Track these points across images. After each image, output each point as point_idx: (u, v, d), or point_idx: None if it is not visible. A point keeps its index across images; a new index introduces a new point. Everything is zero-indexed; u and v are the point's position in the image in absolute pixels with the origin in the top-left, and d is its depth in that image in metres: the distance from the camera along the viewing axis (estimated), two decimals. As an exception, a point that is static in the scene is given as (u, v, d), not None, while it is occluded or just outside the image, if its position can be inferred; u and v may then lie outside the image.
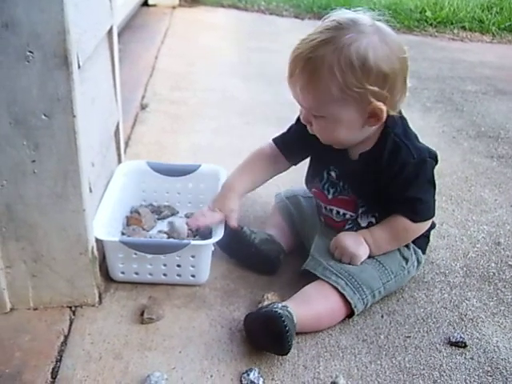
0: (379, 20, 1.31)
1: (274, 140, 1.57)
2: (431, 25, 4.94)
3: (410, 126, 1.43)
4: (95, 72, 1.45)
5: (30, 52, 1.08)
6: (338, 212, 1.49)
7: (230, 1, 5.37)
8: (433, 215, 1.42)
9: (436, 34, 4.80)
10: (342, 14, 1.29)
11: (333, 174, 1.47)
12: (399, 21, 4.90)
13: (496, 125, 2.75)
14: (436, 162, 1.41)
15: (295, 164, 1.60)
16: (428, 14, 5.03)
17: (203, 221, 1.50)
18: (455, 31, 4.86)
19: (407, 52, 1.31)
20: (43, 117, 1.14)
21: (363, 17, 1.29)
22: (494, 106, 3.03)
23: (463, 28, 4.91)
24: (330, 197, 1.49)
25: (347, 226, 1.49)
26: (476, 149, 2.45)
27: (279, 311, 1.21)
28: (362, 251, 1.41)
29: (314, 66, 1.25)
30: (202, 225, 1.51)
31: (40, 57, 1.09)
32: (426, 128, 2.65)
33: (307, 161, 1.58)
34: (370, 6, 5.18)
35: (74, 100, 1.14)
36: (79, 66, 1.17)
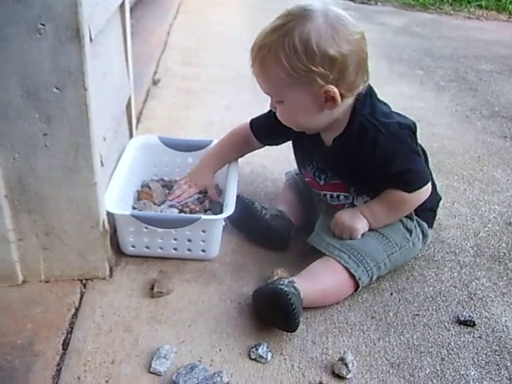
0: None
1: (251, 122, 1.64)
2: (447, 2, 4.89)
3: (383, 99, 1.45)
4: (107, 46, 1.44)
5: (42, 25, 1.08)
6: (331, 196, 1.51)
7: (243, -24, 5.32)
8: (426, 181, 1.40)
9: (451, 12, 4.75)
10: (296, 4, 1.31)
11: (317, 161, 1.50)
12: (414, -1, 4.86)
13: (510, 105, 2.73)
14: (411, 129, 1.40)
15: (271, 145, 1.68)
16: (444, -9, 4.97)
17: (179, 195, 1.62)
18: (471, 9, 4.81)
19: (360, 34, 1.31)
20: (55, 90, 1.14)
21: (315, 3, 1.30)
22: (509, 86, 3.00)
23: (479, 6, 4.86)
24: (321, 183, 1.51)
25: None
26: (489, 128, 2.43)
27: (285, 288, 1.22)
28: (360, 224, 1.41)
29: (262, 54, 1.30)
30: (180, 198, 1.61)
31: (52, 29, 1.08)
32: (439, 107, 2.63)
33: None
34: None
35: (85, 73, 1.13)
36: (91, 40, 1.17)
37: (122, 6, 1.61)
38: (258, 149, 1.69)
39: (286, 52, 1.26)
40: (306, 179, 1.58)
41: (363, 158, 1.36)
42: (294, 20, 1.27)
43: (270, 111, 1.51)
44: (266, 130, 1.59)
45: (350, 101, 1.35)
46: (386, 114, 1.39)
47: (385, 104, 1.44)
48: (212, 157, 1.67)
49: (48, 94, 1.14)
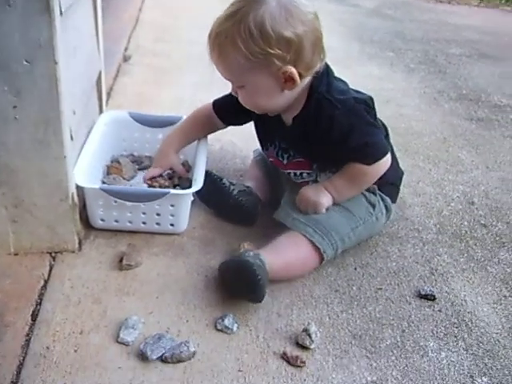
0: None
1: (213, 102, 1.66)
2: (419, -14, 4.92)
3: (340, 76, 1.48)
4: (77, 21, 1.45)
5: (11, -4, 1.08)
6: (295, 174, 1.54)
7: (216, -46, 5.29)
8: (385, 153, 1.42)
9: (423, -5, 4.79)
10: None
11: (279, 141, 1.53)
12: (387, -19, 4.88)
13: (478, 88, 2.78)
14: (369, 105, 1.44)
15: (234, 125, 1.70)
16: (416, -26, 5.00)
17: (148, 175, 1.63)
18: (443, -7, 4.86)
19: (314, 15, 1.34)
20: (25, 63, 1.14)
21: None
22: (477, 70, 3.06)
23: (451, -10, 4.91)
24: (285, 162, 1.54)
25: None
26: (456, 111, 2.49)
27: (250, 260, 1.25)
28: (324, 199, 1.44)
29: (219, 41, 1.32)
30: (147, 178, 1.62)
31: (22, 2, 1.09)
32: (407, 89, 2.68)
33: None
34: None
35: (55, 46, 1.14)
36: (61, 13, 1.17)
37: (93, -20, 1.61)
38: (221, 129, 1.71)
39: (242, 37, 1.28)
40: (270, 159, 1.61)
41: (322, 134, 1.39)
42: (247, 5, 1.29)
43: (229, 94, 1.53)
44: (228, 110, 1.61)
45: (307, 80, 1.38)
46: (342, 90, 1.42)
47: (342, 81, 1.47)
48: (175, 136, 1.68)
49: (18, 67, 1.14)
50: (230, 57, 1.32)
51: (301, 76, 1.33)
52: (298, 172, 1.52)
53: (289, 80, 1.33)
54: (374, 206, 1.50)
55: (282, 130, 1.49)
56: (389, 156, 1.43)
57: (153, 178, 1.60)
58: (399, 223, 1.65)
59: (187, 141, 1.68)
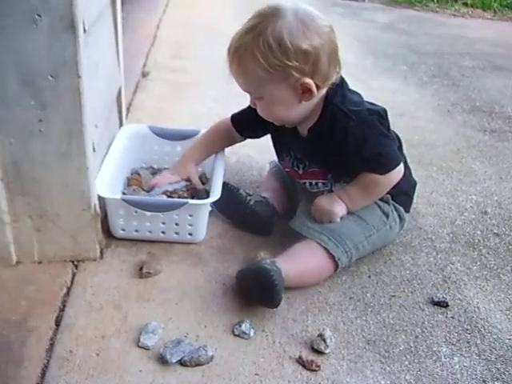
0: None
1: (232, 116, 1.70)
2: (433, 0, 4.95)
3: (353, 89, 1.52)
4: (99, 38, 1.50)
5: (39, 15, 1.13)
6: (310, 183, 1.58)
7: (233, -28, 5.38)
8: (398, 163, 1.46)
9: (437, 9, 4.82)
10: (266, 4, 1.39)
11: (295, 152, 1.57)
12: (401, -5, 4.93)
13: (491, 100, 2.80)
14: (381, 115, 1.47)
15: (252, 138, 1.74)
16: (430, -11, 5.04)
17: (162, 181, 1.66)
18: (457, 7, 4.88)
19: (329, 28, 1.39)
20: (50, 78, 1.20)
21: (286, 3, 1.38)
22: (491, 82, 3.07)
23: (465, 4, 4.93)
24: (300, 172, 1.58)
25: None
26: (470, 122, 2.51)
27: (267, 266, 1.29)
28: (338, 208, 1.48)
29: (239, 54, 1.38)
30: (160, 184, 1.65)
31: (48, 20, 1.14)
32: (421, 101, 2.70)
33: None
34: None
35: (79, 62, 1.19)
36: (85, 31, 1.23)
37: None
38: (239, 142, 1.75)
39: (261, 50, 1.33)
40: (286, 169, 1.65)
41: (336, 144, 1.43)
42: (265, 19, 1.34)
43: (249, 106, 1.56)
44: (246, 124, 1.66)
45: (323, 91, 1.43)
46: (356, 102, 1.46)
47: (356, 93, 1.51)
48: (195, 149, 1.72)
49: (43, 82, 1.20)
50: (249, 69, 1.36)
51: (318, 87, 1.38)
52: (314, 182, 1.56)
53: (306, 91, 1.38)
54: (387, 216, 1.53)
55: (297, 141, 1.53)
56: (401, 166, 1.47)
57: (173, 190, 1.64)
58: (413, 232, 1.68)
59: (207, 154, 1.72)
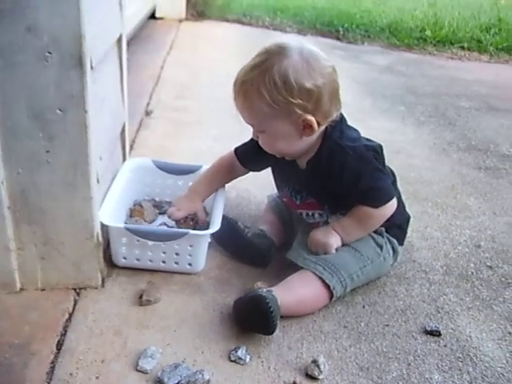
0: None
1: (235, 149, 1.75)
2: (430, 44, 5.08)
3: (352, 125, 1.59)
4: (105, 75, 1.57)
5: (49, 53, 1.20)
6: (307, 214, 1.64)
7: (235, 16, 5.53)
8: (391, 197, 1.51)
9: (435, 52, 4.94)
10: (273, 42, 1.46)
11: (293, 183, 1.63)
12: (399, 39, 5.06)
13: (486, 139, 2.87)
14: (376, 151, 1.53)
15: (254, 171, 1.79)
16: (428, 33, 5.18)
17: (172, 214, 1.71)
18: (454, 50, 5.01)
19: (332, 68, 1.46)
20: (58, 111, 1.26)
21: (291, 42, 1.45)
22: (486, 122, 3.15)
23: (462, 47, 5.06)
24: (298, 202, 1.64)
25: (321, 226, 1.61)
26: (465, 160, 2.57)
27: (264, 294, 1.34)
28: (333, 240, 1.53)
29: (245, 89, 1.44)
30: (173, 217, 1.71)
31: (58, 58, 1.21)
32: (418, 140, 2.77)
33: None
34: (371, 24, 5.37)
35: (86, 97, 1.26)
36: (92, 68, 1.29)
37: (120, 40, 1.74)
38: (242, 175, 1.80)
39: (266, 87, 1.39)
40: (284, 199, 1.71)
41: (333, 177, 1.49)
42: (272, 57, 1.41)
43: (252, 139, 1.62)
44: (249, 156, 1.71)
45: (323, 127, 1.49)
46: (353, 138, 1.53)
47: (354, 129, 1.58)
48: (200, 184, 1.77)
49: (52, 115, 1.26)
50: (255, 103, 1.43)
51: (319, 124, 1.45)
52: (310, 212, 1.62)
53: (307, 127, 1.44)
54: (381, 247, 1.58)
55: (296, 173, 1.59)
56: (395, 200, 1.52)
57: (182, 221, 1.69)
58: (407, 265, 1.72)
59: (212, 189, 1.76)
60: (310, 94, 1.40)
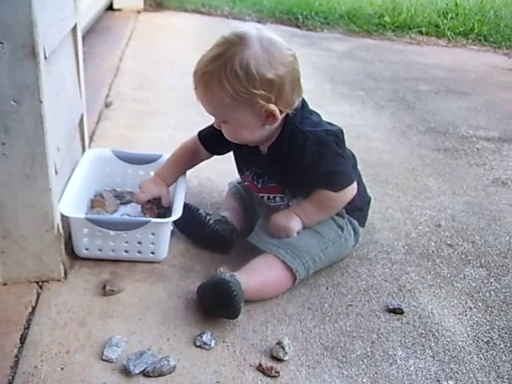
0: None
1: (198, 133, 1.75)
2: (389, 29, 5.13)
3: (313, 109, 1.59)
4: (60, 66, 1.55)
5: (0, 43, 1.18)
6: (268, 197, 1.64)
7: (193, 6, 5.50)
8: (351, 181, 1.53)
9: (394, 38, 4.99)
10: (232, 31, 1.45)
11: (255, 167, 1.63)
12: (358, 25, 5.10)
13: (445, 121, 2.92)
14: (337, 135, 1.53)
15: (217, 154, 1.78)
16: (386, 19, 5.23)
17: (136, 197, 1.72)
18: (412, 35, 5.06)
19: (293, 57, 1.46)
20: (12, 102, 1.24)
21: (250, 31, 1.44)
22: (445, 104, 3.20)
23: (420, 32, 5.12)
24: (259, 186, 1.64)
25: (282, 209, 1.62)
26: (424, 142, 2.61)
27: (226, 278, 1.35)
28: (294, 223, 1.54)
29: (206, 81, 1.43)
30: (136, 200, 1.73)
31: (9, 47, 1.19)
32: (377, 124, 2.80)
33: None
34: (330, 12, 5.39)
35: (41, 87, 1.24)
36: (45, 58, 1.28)
37: (74, 29, 1.72)
38: (206, 158, 1.80)
39: (228, 78, 1.38)
40: (246, 183, 1.71)
41: (294, 162, 1.49)
42: (232, 48, 1.39)
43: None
44: (212, 140, 1.69)
45: (284, 114, 1.49)
46: (314, 123, 1.53)
47: (315, 113, 1.58)
48: (165, 169, 1.76)
49: (6, 107, 1.24)
50: (216, 95, 1.42)
51: (281, 112, 1.45)
52: (272, 196, 1.62)
53: (270, 116, 1.44)
54: (342, 229, 1.60)
55: (257, 158, 1.59)
56: (355, 185, 1.54)
57: (148, 206, 1.69)
58: (369, 246, 1.74)
59: (177, 173, 1.75)
60: (272, 84, 1.40)
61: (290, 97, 1.45)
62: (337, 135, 1.54)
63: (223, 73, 1.38)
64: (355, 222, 1.64)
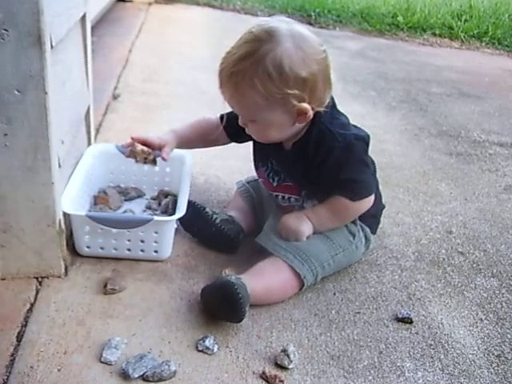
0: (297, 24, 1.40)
1: (221, 116, 1.67)
2: (402, 29, 5.06)
3: (342, 111, 1.54)
4: (67, 56, 1.51)
5: (5, 30, 1.14)
6: (283, 197, 1.59)
7: (205, -1, 5.45)
8: (370, 193, 1.49)
9: (407, 38, 4.92)
10: (259, 26, 1.37)
11: (274, 163, 1.58)
12: (371, 25, 5.03)
13: (457, 125, 2.86)
14: (366, 142, 1.49)
15: (237, 142, 1.71)
16: (400, 19, 5.15)
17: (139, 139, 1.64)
18: (425, 36, 4.99)
19: (325, 52, 1.39)
20: (16, 92, 1.20)
21: (279, 25, 1.36)
22: (457, 108, 3.14)
23: (433, 34, 5.04)
24: (274, 184, 1.59)
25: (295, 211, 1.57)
26: (436, 146, 2.56)
27: (232, 280, 1.30)
28: (305, 227, 1.49)
29: (236, 81, 1.36)
30: (136, 140, 1.63)
31: (15, 35, 1.15)
32: (389, 125, 2.75)
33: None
34: (343, 10, 5.34)
35: (46, 78, 1.20)
36: (52, 47, 1.24)
37: (83, 19, 1.68)
38: (222, 144, 1.74)
39: (260, 79, 1.32)
40: (260, 179, 1.66)
41: (318, 162, 1.44)
42: (263, 45, 1.32)
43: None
44: (235, 126, 1.59)
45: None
46: (343, 124, 1.48)
47: (343, 115, 1.53)
48: (180, 128, 1.71)
49: (9, 97, 1.20)
50: (246, 96, 1.36)
51: (313, 110, 1.39)
52: (286, 196, 1.57)
53: (301, 114, 1.38)
54: (353, 235, 1.55)
55: (279, 153, 1.53)
56: (373, 196, 1.50)
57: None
58: (378, 251, 1.69)
59: (192, 136, 1.70)
60: (306, 82, 1.34)
61: (323, 94, 1.40)
62: (366, 142, 1.49)
63: (255, 73, 1.32)
64: (367, 229, 1.59)
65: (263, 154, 1.61)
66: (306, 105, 1.36)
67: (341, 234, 1.54)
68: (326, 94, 1.41)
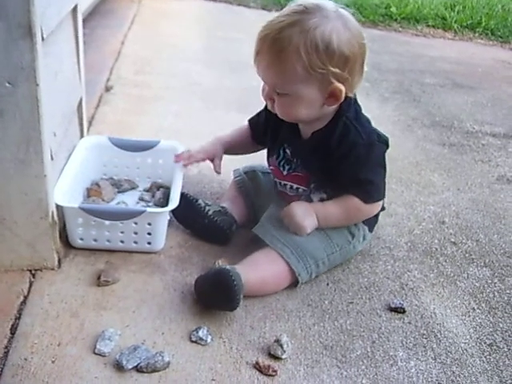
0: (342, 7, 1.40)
1: (249, 120, 1.70)
2: (395, 20, 5.05)
3: (363, 111, 1.52)
4: (59, 47, 1.51)
5: (-5, 21, 1.14)
6: (291, 187, 1.57)
7: (198, -9, 5.42)
8: (383, 197, 1.51)
9: (400, 29, 4.91)
10: (308, 0, 1.36)
11: (287, 151, 1.56)
12: (364, 15, 5.00)
13: (451, 115, 2.87)
14: (387, 146, 1.49)
15: (261, 144, 1.70)
16: (393, 9, 5.14)
17: (187, 156, 1.68)
18: (419, 27, 4.98)
19: (365, 40, 1.39)
20: (7, 84, 1.20)
21: (327, 2, 1.37)
22: (451, 98, 3.14)
23: (426, 24, 5.03)
24: (284, 173, 1.57)
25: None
26: (429, 136, 2.56)
27: (227, 268, 1.31)
28: (309, 223, 1.48)
29: (280, 46, 1.33)
30: (186, 161, 1.68)
31: (5, 26, 1.15)
32: (382, 116, 2.75)
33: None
34: (336, 1, 5.32)
35: (37, 69, 1.20)
36: (43, 39, 1.23)
37: (75, 10, 1.67)
38: (251, 151, 1.76)
39: (307, 49, 1.30)
40: (270, 167, 1.64)
41: (338, 156, 1.43)
42: (313, 18, 1.31)
43: (260, 111, 1.58)
44: (258, 127, 1.63)
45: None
46: (368, 122, 1.49)
47: (365, 116, 1.52)
48: (225, 136, 1.72)
49: (0, 89, 1.20)
50: (288, 64, 1.33)
51: (344, 94, 1.38)
52: (295, 186, 1.56)
53: (333, 96, 1.37)
54: (353, 236, 1.55)
55: (296, 140, 1.53)
56: (381, 202, 1.52)
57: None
58: (371, 242, 1.69)
59: (237, 143, 1.73)
60: (347, 62, 1.33)
61: (357, 79, 1.40)
62: (387, 145, 1.49)
63: (303, 42, 1.30)
64: (366, 229, 1.59)
65: (278, 142, 1.58)
66: (341, 85, 1.35)
67: (340, 234, 1.54)
68: (359, 79, 1.41)
